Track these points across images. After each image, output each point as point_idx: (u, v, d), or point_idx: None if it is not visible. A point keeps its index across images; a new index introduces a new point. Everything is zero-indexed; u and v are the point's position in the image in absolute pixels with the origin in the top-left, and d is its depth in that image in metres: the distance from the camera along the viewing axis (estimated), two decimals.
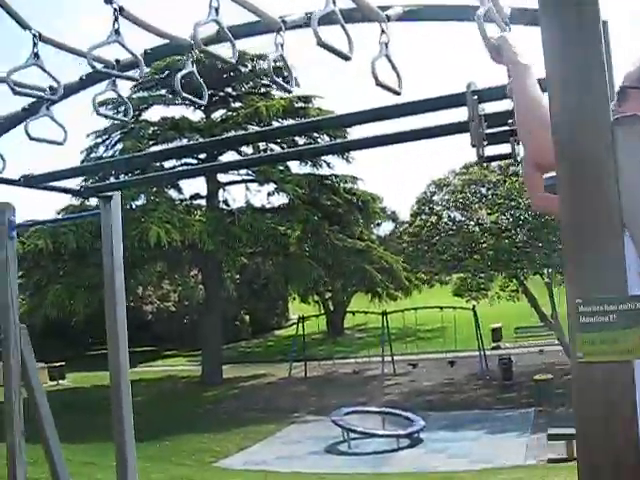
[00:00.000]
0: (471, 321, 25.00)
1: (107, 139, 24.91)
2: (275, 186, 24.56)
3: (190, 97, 3.15)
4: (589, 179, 1.43)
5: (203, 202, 25.57)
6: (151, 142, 23.62)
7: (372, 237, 31.19)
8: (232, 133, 23.11)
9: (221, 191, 25.63)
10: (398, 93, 2.53)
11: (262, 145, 22.46)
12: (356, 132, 14.00)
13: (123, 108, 16.71)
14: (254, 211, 24.44)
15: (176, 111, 25.53)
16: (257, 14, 2.65)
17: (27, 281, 22.10)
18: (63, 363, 27.36)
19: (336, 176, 26.61)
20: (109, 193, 4.45)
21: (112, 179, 16.54)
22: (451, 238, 23.49)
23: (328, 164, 26.22)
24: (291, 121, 24.51)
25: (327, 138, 23.01)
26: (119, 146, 24.17)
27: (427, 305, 26.37)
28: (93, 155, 24.45)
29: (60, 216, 21.00)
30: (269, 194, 25.20)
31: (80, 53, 2.78)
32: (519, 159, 3.36)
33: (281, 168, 24.08)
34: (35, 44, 2.72)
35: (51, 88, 3.03)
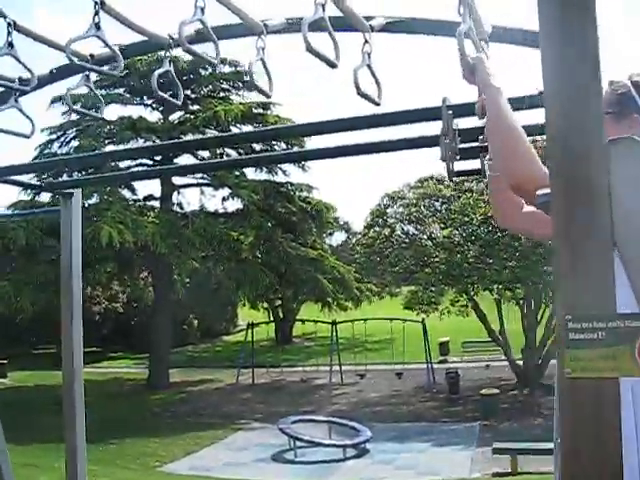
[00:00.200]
0: (420, 334, 25.18)
1: (62, 136, 24.53)
2: (230, 191, 24.45)
3: (166, 96, 3.12)
4: (582, 197, 1.44)
5: (157, 204, 25.33)
6: (107, 141, 23.34)
7: (324, 246, 31.21)
8: (189, 136, 22.98)
9: (175, 194, 25.44)
10: (377, 104, 2.54)
11: (219, 149, 22.34)
12: (317, 141, 14.07)
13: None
14: (208, 215, 24.32)
15: (133, 111, 25.30)
16: (240, 16, 2.63)
17: None
18: (5, 361, 26.75)
19: (292, 184, 26.64)
20: (70, 190, 4.39)
21: (65, 176, 16.24)
22: (404, 251, 23.68)
23: (284, 171, 26.22)
24: (249, 127, 24.50)
25: (284, 146, 23.00)
26: (74, 143, 23.82)
27: (377, 316, 26.45)
28: (47, 151, 24.03)
29: (10, 212, 20.63)
30: (224, 199, 25.09)
31: (57, 45, 2.72)
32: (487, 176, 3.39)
33: (237, 173, 23.98)
34: (9, 33, 2.66)
35: (20, 79, 2.95)
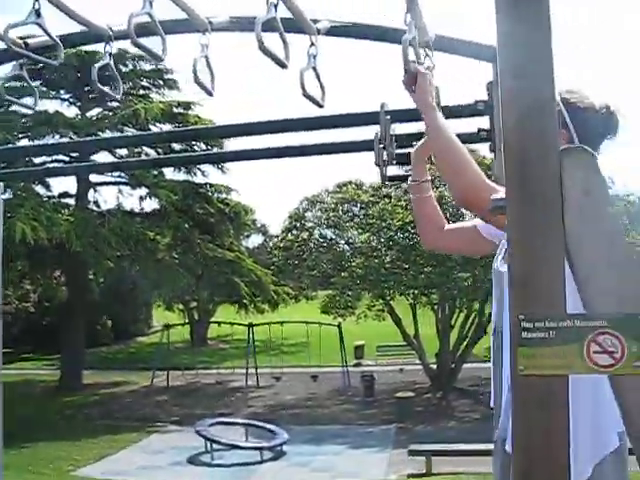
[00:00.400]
0: (335, 337, 25.37)
1: None
2: (148, 191, 24.08)
3: (105, 90, 3.07)
4: (536, 202, 1.50)
5: (72, 201, 24.68)
6: (21, 135, 22.62)
7: (242, 249, 31.11)
8: (108, 133, 22.55)
9: (92, 191, 24.87)
10: (321, 106, 2.56)
11: (137, 148, 21.98)
12: (240, 143, 13.96)
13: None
14: (125, 214, 23.88)
15: (49, 105, 24.60)
16: (187, 12, 2.62)
17: None
18: None
19: (211, 185, 26.45)
20: None
21: None
22: (321, 255, 23.80)
23: (203, 172, 26.00)
24: (169, 126, 24.21)
25: (203, 146, 22.85)
26: None
27: (293, 319, 26.54)
28: None
29: None
30: (141, 198, 24.67)
31: None
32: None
33: (155, 173, 23.62)
34: None
35: None
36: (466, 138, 3.92)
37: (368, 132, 3.77)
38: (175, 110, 24.49)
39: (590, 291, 1.51)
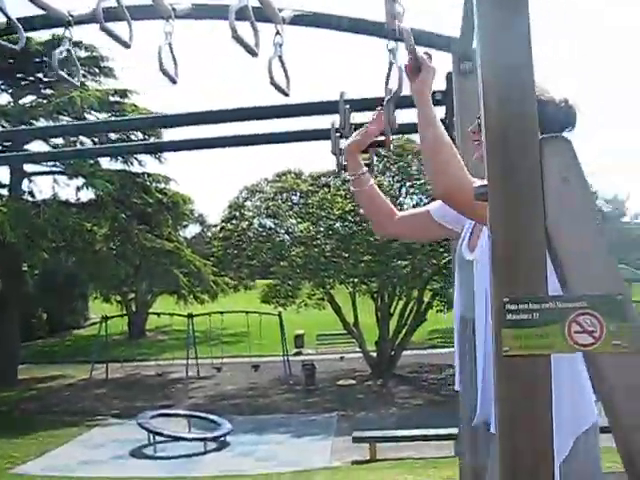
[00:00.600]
0: (275, 327, 25.38)
1: None
2: (85, 181, 23.62)
3: (65, 75, 3.03)
4: (517, 190, 1.56)
5: (5, 191, 24.06)
6: None
7: (180, 239, 30.79)
8: (42, 121, 22.02)
9: (26, 181, 24.29)
10: (287, 94, 2.58)
11: (73, 137, 21.49)
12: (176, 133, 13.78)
13: None
14: (61, 205, 23.37)
15: None
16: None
17: None
18: None
19: (149, 175, 26.08)
20: None
21: None
22: (261, 244, 23.76)
23: (140, 162, 25.62)
24: (105, 115, 23.77)
25: (140, 135, 22.51)
26: None
27: (233, 309, 26.44)
28: None
29: None
30: (78, 188, 24.18)
31: None
32: (375, 169, 3.52)
33: (91, 162, 23.19)
34: None
35: None
36: (410, 128, 4.01)
37: (320, 121, 3.80)
38: (112, 98, 24.05)
39: (570, 274, 1.57)
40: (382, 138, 3.42)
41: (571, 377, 1.93)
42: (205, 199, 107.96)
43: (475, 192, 1.65)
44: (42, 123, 22.17)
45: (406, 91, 2.09)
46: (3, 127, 21.40)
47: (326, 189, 23.71)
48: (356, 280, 23.00)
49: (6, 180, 23.81)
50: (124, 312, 33.28)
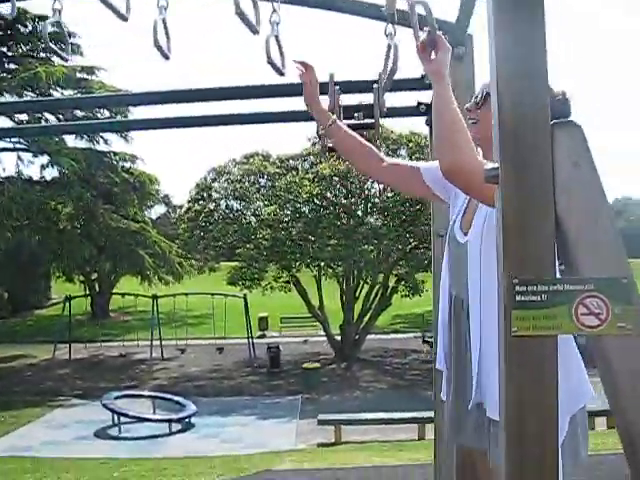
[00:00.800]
0: (240, 309, 25.33)
1: None
2: (49, 158, 23.25)
3: (56, 48, 2.99)
4: (528, 174, 1.58)
5: None
6: None
7: (146, 219, 30.49)
8: (6, 96, 21.57)
9: None
10: (282, 73, 2.57)
11: (38, 113, 21.10)
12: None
13: None
14: (25, 182, 22.98)
15: None
16: None
17: None
18: None
19: (115, 153, 25.75)
20: None
21: None
22: (228, 226, 23.65)
23: (105, 140, 25.29)
24: (71, 92, 23.37)
25: (107, 113, 22.21)
26: None
27: (198, 291, 26.33)
28: None
29: None
30: (43, 166, 23.79)
31: None
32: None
33: (57, 140, 22.81)
34: None
35: None
36: (404, 111, 4.02)
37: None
38: (79, 75, 23.64)
39: (578, 257, 1.59)
40: (371, 121, 3.43)
41: (567, 355, 1.96)
42: (170, 179, 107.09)
43: (486, 174, 1.66)
44: (5, 99, 21.73)
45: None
46: None
47: (294, 172, 23.67)
48: (322, 264, 23.06)
49: None
50: (87, 292, 32.94)
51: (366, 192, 23.23)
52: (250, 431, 15.08)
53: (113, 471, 8.00)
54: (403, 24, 2.60)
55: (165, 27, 2.56)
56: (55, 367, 23.47)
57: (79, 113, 21.73)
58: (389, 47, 2.35)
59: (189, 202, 25.74)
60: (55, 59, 24.45)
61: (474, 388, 2.13)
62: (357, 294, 24.28)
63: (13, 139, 22.94)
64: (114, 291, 32.99)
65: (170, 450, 13.19)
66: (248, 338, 25.07)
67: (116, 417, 15.11)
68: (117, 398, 16.06)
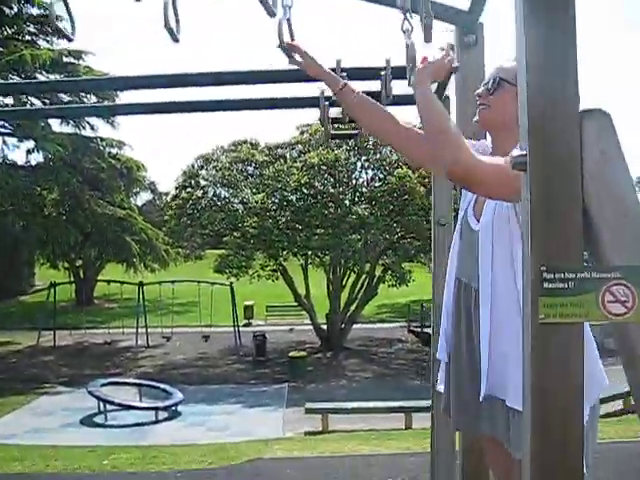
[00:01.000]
0: (226, 297, 25.25)
1: None
2: (35, 143, 23.06)
3: (62, 28, 2.94)
4: (557, 161, 1.56)
5: None
6: None
7: (132, 206, 30.36)
8: None
9: None
10: (291, 56, 2.55)
11: (22, 96, 20.87)
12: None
13: None
14: (10, 167, 22.81)
15: None
16: None
17: None
18: None
19: (102, 139, 25.59)
20: None
21: None
22: (215, 214, 23.56)
23: (92, 126, 25.12)
24: (57, 76, 23.15)
25: (94, 98, 22.06)
26: None
27: (184, 278, 26.23)
28: None
29: None
30: (28, 151, 23.62)
31: None
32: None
33: (42, 124, 22.61)
34: None
35: None
36: (411, 99, 3.98)
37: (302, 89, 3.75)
38: (65, 59, 23.41)
39: (605, 244, 1.58)
40: None
41: (589, 344, 1.95)
42: (157, 166, 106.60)
43: (513, 162, 1.64)
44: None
45: None
46: None
47: (282, 160, 23.62)
48: (309, 252, 23.03)
49: None
50: (72, 279, 32.76)
51: (354, 181, 23.23)
52: (236, 419, 15.06)
53: (102, 459, 7.95)
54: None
55: (175, 9, 2.52)
56: (40, 354, 23.33)
57: (65, 97, 21.53)
58: (407, 46, 2.30)
59: (176, 189, 25.58)
60: (41, 42, 24.25)
61: (483, 376, 2.12)
62: (344, 283, 24.28)
63: None
64: (99, 278, 32.86)
65: (157, 438, 13.12)
66: (234, 326, 25.02)
67: (102, 405, 15.03)
68: (103, 385, 15.99)
